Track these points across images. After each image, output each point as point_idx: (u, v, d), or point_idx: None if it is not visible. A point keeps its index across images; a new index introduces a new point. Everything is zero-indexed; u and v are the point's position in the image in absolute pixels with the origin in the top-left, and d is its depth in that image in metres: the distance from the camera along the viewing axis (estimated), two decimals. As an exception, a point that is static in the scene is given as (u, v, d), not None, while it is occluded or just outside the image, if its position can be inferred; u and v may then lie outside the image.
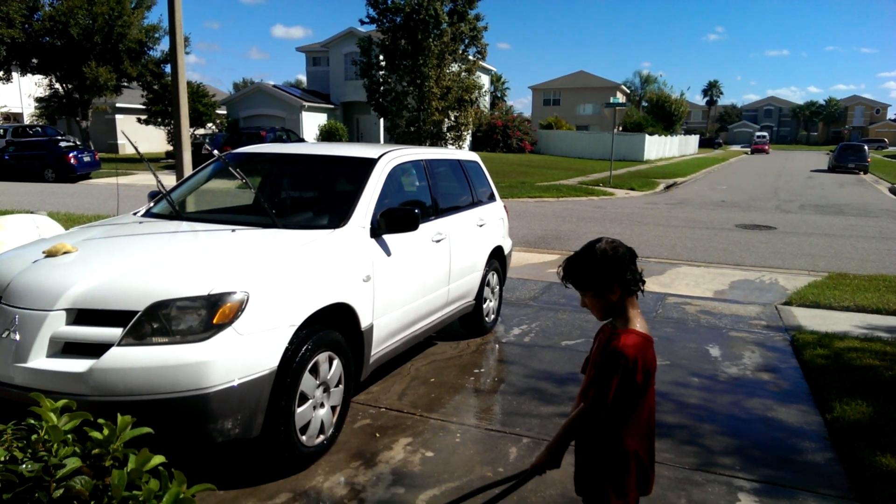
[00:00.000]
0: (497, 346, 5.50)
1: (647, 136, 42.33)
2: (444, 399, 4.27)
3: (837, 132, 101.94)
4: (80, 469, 1.46)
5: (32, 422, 1.60)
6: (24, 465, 1.45)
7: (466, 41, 27.10)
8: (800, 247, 11.14)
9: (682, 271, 8.77)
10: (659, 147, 45.67)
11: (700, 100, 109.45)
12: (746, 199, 20.10)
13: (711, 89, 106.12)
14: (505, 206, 6.28)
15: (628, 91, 73.43)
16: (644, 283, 2.00)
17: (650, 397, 2.01)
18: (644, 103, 67.08)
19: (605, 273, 1.93)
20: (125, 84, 31.12)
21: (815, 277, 8.40)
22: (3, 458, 1.46)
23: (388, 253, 3.96)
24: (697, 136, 65.70)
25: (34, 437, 1.56)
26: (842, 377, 4.60)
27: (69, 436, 1.56)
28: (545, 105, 63.34)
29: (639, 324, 1.97)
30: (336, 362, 3.46)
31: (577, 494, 2.12)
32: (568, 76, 64.64)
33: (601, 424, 1.96)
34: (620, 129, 45.64)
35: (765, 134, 73.21)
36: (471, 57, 27.92)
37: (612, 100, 26.00)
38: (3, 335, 2.83)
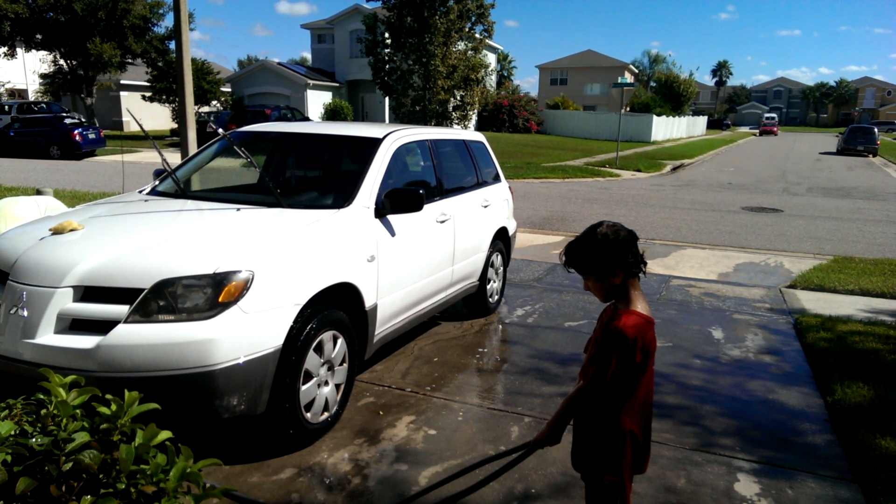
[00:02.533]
0: (500, 326, 5.53)
1: (654, 117, 41.93)
2: (447, 378, 4.31)
3: (847, 114, 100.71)
4: (89, 443, 1.48)
5: (41, 397, 1.63)
6: (34, 439, 1.48)
7: (473, 19, 26.72)
8: (806, 230, 11.09)
9: (687, 254, 8.76)
10: (666, 128, 45.27)
11: (709, 80, 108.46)
12: (754, 181, 19.96)
13: (721, 70, 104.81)
14: (510, 187, 6.26)
15: (637, 71, 72.63)
16: (646, 264, 2.02)
17: (648, 377, 2.03)
18: (652, 83, 66.30)
19: (606, 257, 1.95)
20: (129, 61, 30.93)
21: (821, 261, 8.37)
22: (13, 432, 1.49)
23: (393, 233, 3.97)
24: (706, 118, 65.13)
25: (43, 411, 1.58)
26: (844, 360, 4.61)
27: (78, 411, 1.58)
28: (552, 85, 62.78)
29: (640, 305, 1.98)
30: (340, 341, 3.49)
31: (574, 469, 2.16)
32: (576, 55, 63.94)
33: (598, 402, 1.99)
34: (628, 109, 45.22)
35: (774, 115, 72.56)
36: (477, 35, 27.57)
37: (619, 80, 25.81)
38: (12, 311, 2.86)
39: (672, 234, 10.21)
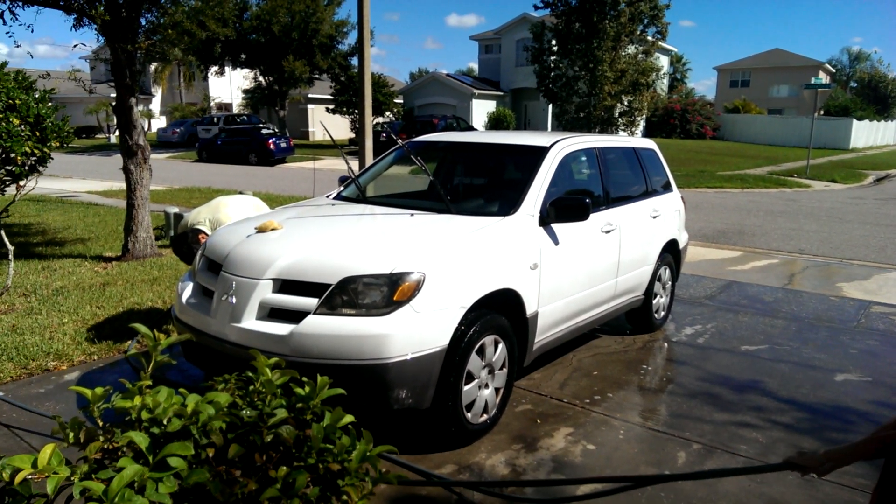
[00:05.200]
0: (666, 344, 5.25)
1: (854, 122, 37.18)
2: (606, 393, 4.19)
3: None
4: (287, 419, 1.67)
5: (250, 374, 1.87)
6: (244, 411, 1.70)
7: (646, 21, 25.69)
8: None
9: (893, 277, 7.64)
10: (869, 133, 39.91)
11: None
12: (985, 195, 16.90)
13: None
14: (682, 197, 5.94)
15: (833, 70, 64.81)
16: None
17: None
18: (852, 84, 58.88)
19: None
20: (317, 76, 34.07)
21: None
22: (229, 403, 1.73)
23: (556, 242, 3.96)
24: (921, 121, 56.25)
25: (251, 388, 1.82)
26: None
27: (279, 390, 1.79)
28: (732, 87, 58.21)
29: None
30: (501, 346, 3.55)
31: None
32: (760, 55, 58.69)
33: None
34: (822, 113, 40.53)
35: None
36: (649, 38, 26.44)
37: (813, 80, 23.24)
38: (223, 298, 3.30)
39: (874, 255, 8.96)
